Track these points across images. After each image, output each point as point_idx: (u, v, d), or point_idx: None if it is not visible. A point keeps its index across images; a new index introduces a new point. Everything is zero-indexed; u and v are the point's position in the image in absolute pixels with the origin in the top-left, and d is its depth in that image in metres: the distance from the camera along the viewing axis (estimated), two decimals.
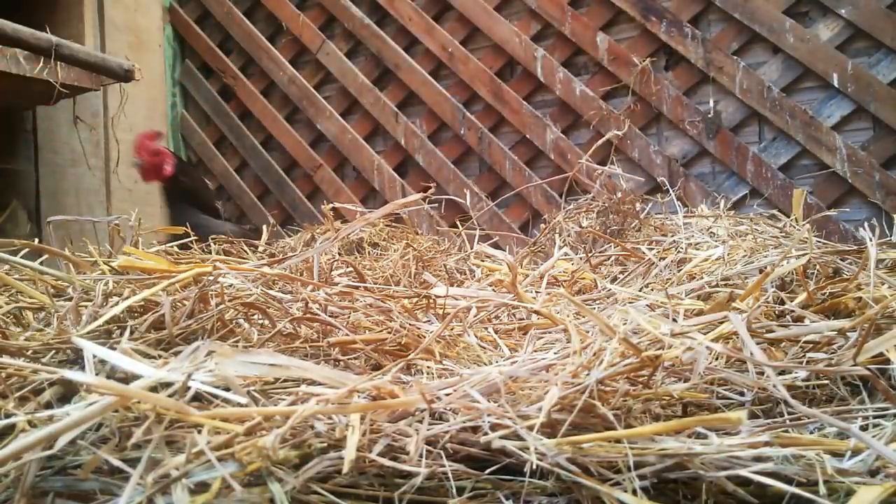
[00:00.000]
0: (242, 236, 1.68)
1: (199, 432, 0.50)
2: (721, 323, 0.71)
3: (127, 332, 0.74)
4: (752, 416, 0.63)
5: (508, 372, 0.59)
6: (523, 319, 0.96)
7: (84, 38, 2.07)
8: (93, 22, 2.27)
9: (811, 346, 0.73)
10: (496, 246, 2.05)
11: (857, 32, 1.74)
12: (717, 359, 0.72)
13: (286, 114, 2.52)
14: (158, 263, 0.82)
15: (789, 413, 0.62)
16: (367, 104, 2.35)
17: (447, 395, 0.57)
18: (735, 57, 1.85)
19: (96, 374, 0.61)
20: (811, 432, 0.59)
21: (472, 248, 1.46)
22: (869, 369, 0.62)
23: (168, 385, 0.55)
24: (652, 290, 1.04)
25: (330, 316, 0.86)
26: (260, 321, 0.88)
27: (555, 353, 0.68)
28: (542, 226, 1.70)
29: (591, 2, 2.05)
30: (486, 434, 0.51)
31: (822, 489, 0.47)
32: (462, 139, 2.20)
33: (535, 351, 0.78)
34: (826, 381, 0.70)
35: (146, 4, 2.55)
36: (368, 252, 1.69)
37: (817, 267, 1.01)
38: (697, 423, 0.48)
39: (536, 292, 1.00)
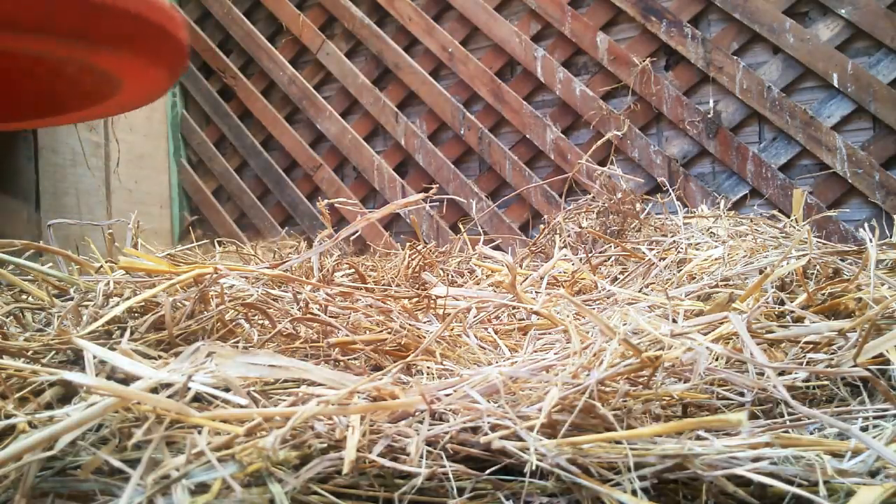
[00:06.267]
0: None
1: (200, 433, 0.50)
2: (721, 323, 0.71)
3: (127, 333, 0.75)
4: (753, 416, 0.63)
5: (508, 372, 0.59)
6: (523, 320, 0.96)
7: None
8: None
9: (811, 346, 0.73)
10: (498, 247, 2.05)
11: (857, 32, 1.74)
12: (717, 359, 0.72)
13: (286, 114, 2.52)
14: (159, 264, 0.82)
15: (789, 414, 0.62)
16: (367, 104, 2.35)
17: (447, 395, 0.57)
18: (735, 57, 1.85)
19: (96, 375, 0.61)
20: (811, 433, 0.59)
21: (472, 250, 1.47)
22: (869, 370, 0.62)
23: (168, 386, 0.55)
24: (652, 290, 1.04)
25: (330, 316, 0.86)
26: (260, 322, 0.88)
27: (555, 354, 0.69)
28: (542, 226, 1.70)
29: (591, 2, 2.05)
30: (486, 434, 0.51)
31: (823, 490, 0.47)
32: (462, 139, 2.20)
33: (535, 351, 0.78)
34: (826, 382, 0.70)
35: None
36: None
37: (817, 267, 1.01)
38: (697, 425, 0.48)
39: (536, 293, 1.01)
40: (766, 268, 0.96)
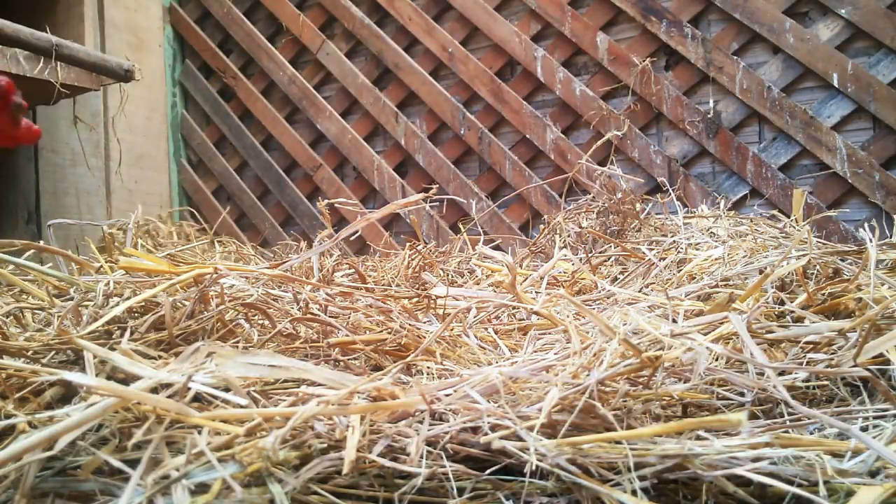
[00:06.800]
0: None
1: (200, 433, 0.50)
2: (721, 324, 0.71)
3: (127, 333, 0.74)
4: (753, 416, 0.63)
5: (508, 372, 0.59)
6: (523, 320, 0.96)
7: (84, 39, 2.07)
8: (93, 22, 2.27)
9: (811, 346, 0.73)
10: (498, 247, 2.05)
11: (857, 32, 1.74)
12: (717, 359, 0.72)
13: (286, 114, 2.52)
14: (159, 264, 0.82)
15: (789, 414, 0.62)
16: (367, 104, 2.35)
17: (447, 395, 0.57)
18: (735, 57, 1.85)
19: (96, 375, 0.61)
20: (811, 433, 0.59)
21: (472, 250, 1.47)
22: (869, 370, 0.62)
23: (168, 386, 0.55)
24: (652, 290, 1.04)
25: (330, 316, 0.86)
26: (260, 322, 0.88)
27: (555, 354, 0.69)
28: (542, 226, 1.70)
29: (591, 2, 2.05)
30: (486, 434, 0.51)
31: (823, 490, 0.47)
32: (462, 139, 2.20)
33: (535, 351, 0.78)
34: (826, 382, 0.70)
35: (146, 4, 2.55)
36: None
37: (817, 267, 1.01)
38: (697, 425, 0.48)
39: (536, 293, 1.01)
40: (766, 268, 0.96)
